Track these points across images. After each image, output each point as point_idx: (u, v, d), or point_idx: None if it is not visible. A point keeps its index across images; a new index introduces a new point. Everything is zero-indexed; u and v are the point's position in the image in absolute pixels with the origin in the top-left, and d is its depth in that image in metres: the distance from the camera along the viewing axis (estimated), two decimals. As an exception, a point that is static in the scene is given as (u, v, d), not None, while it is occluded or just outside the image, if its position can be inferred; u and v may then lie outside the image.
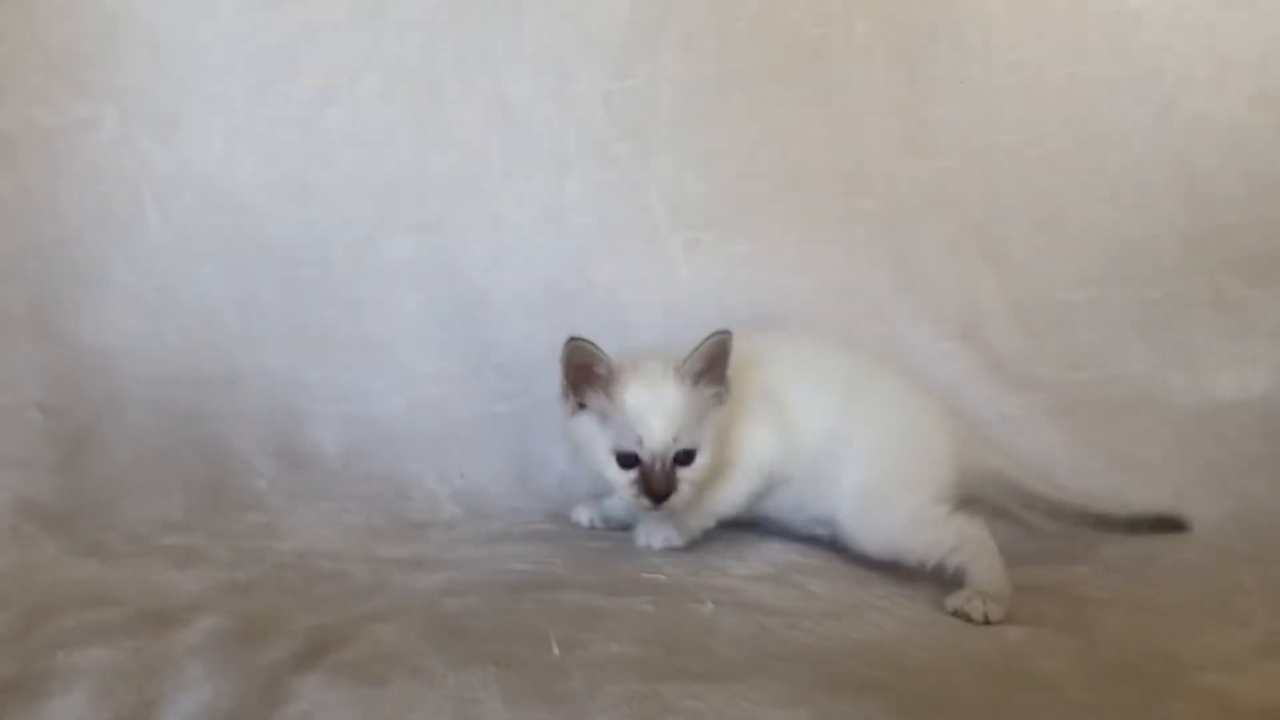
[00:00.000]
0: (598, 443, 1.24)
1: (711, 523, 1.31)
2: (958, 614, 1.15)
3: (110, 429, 1.46)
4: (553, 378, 1.50)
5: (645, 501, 1.20)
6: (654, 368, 1.23)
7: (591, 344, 1.22)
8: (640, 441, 1.19)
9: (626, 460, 1.21)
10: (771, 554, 1.30)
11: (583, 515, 1.42)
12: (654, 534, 1.30)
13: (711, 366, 1.22)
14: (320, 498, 1.45)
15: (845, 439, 1.29)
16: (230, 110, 1.62)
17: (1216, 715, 0.97)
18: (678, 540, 1.30)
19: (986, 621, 1.14)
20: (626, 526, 1.37)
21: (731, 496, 1.30)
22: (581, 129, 1.59)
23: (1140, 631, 1.21)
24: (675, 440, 1.19)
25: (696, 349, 1.21)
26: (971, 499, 1.32)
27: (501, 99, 1.59)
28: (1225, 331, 1.55)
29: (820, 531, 1.35)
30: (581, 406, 1.26)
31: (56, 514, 1.30)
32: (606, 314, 1.58)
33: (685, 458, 1.21)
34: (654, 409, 1.19)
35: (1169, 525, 1.37)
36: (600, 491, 1.39)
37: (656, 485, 1.19)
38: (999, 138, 1.59)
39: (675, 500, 1.20)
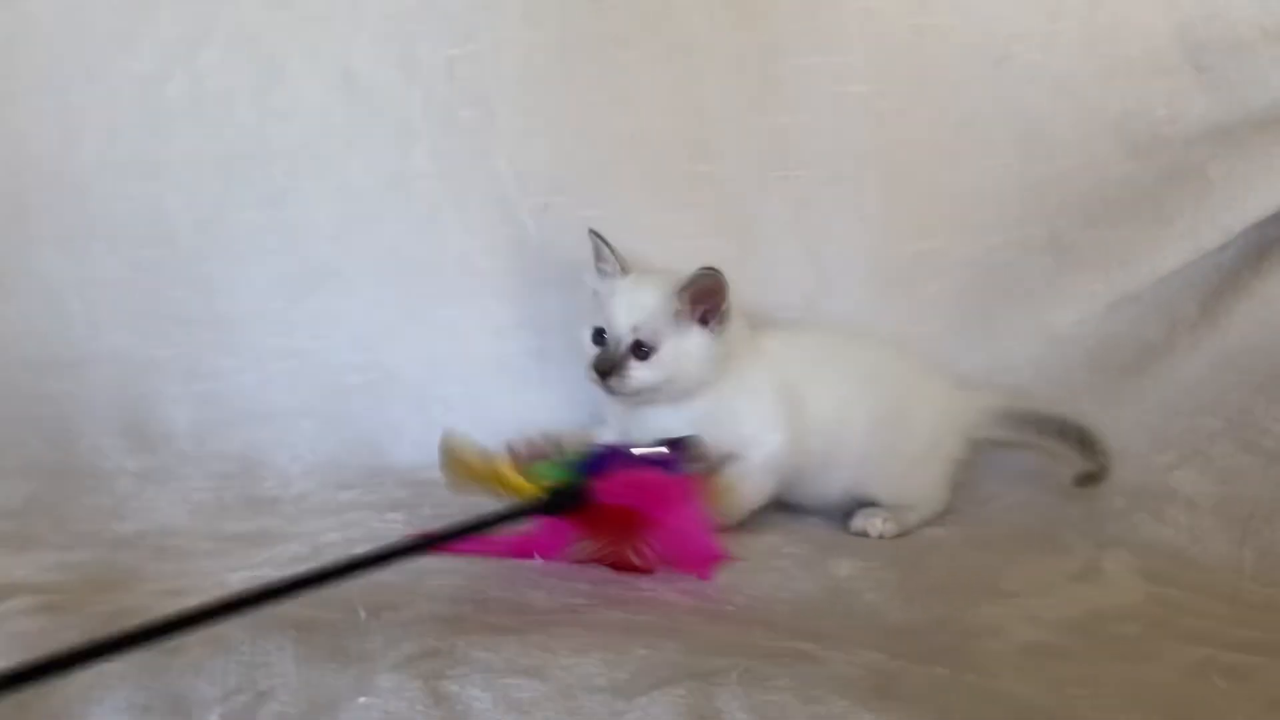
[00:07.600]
0: (587, 316, 1.35)
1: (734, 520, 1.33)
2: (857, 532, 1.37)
3: (-51, 416, 1.45)
4: (406, 346, 1.55)
5: (592, 374, 1.30)
6: (652, 276, 1.35)
7: (603, 239, 1.37)
8: (609, 321, 1.30)
9: (598, 337, 1.32)
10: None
11: None
12: None
13: (706, 298, 1.30)
14: (170, 477, 1.45)
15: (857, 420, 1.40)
16: (64, 87, 1.58)
17: (1019, 624, 1.03)
18: None
19: (881, 536, 1.36)
20: None
21: (751, 494, 1.34)
22: (426, 96, 1.57)
23: (963, 562, 1.28)
24: (634, 330, 1.29)
25: (692, 278, 1.29)
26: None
27: (344, 68, 1.57)
28: (1062, 271, 1.58)
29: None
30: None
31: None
32: (459, 280, 1.58)
33: (644, 353, 1.29)
34: (625, 298, 1.31)
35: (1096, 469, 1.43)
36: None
37: (601, 360, 1.29)
38: (848, 87, 1.58)
39: (618, 384, 1.29)
